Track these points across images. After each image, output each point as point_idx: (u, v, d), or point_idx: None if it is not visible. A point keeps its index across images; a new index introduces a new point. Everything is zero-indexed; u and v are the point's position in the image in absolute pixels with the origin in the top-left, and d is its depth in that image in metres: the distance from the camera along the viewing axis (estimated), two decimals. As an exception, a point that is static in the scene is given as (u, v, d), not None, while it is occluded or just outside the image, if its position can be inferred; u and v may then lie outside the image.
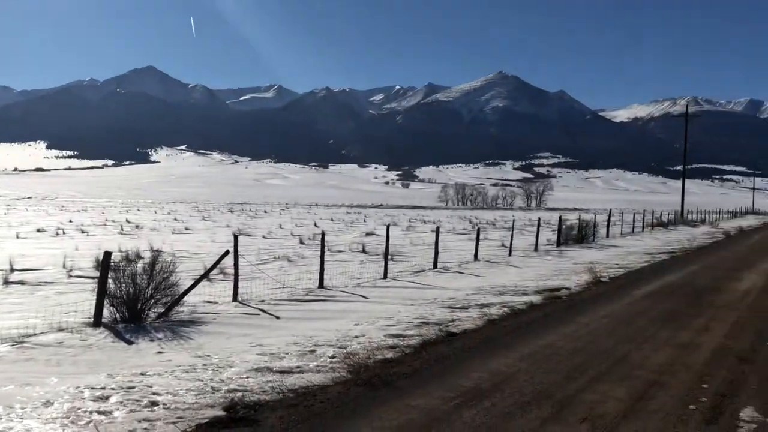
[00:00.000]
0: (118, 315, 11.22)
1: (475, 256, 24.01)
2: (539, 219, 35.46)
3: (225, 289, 14.67)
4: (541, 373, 8.44)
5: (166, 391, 7.40)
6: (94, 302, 11.12)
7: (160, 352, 9.31)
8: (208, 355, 9.10)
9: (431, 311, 12.71)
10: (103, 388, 7.41)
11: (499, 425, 6.52)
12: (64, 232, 38.62)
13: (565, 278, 18.33)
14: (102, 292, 11.01)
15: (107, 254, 11.32)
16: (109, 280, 11.18)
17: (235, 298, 13.82)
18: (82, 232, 39.54)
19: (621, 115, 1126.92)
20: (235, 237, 15.25)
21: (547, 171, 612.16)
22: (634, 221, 47.15)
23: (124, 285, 11.29)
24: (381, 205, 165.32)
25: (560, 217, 34.96)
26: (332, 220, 65.45)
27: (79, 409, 6.75)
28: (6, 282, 16.73)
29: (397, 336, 10.42)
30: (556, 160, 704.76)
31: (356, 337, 10.36)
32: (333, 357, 9.06)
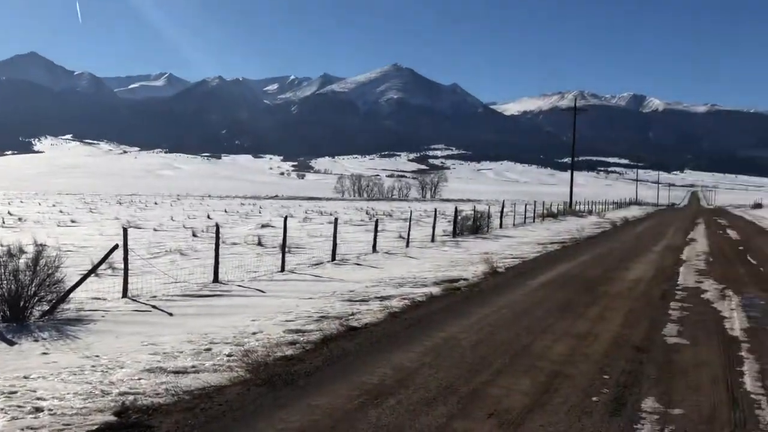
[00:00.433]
0: (-2, 314, 10.48)
1: (374, 247, 23.91)
2: (435, 210, 35.72)
3: (114, 285, 13.95)
4: (446, 367, 8.33)
5: (51, 396, 6.90)
6: (-31, 301, 10.34)
7: (44, 353, 8.71)
8: (97, 356, 8.58)
9: (331, 305, 12.47)
10: (-20, 395, 6.83)
11: (406, 424, 6.34)
12: (-64, 226, 36.27)
13: (462, 269, 18.43)
14: (-21, 290, 10.25)
15: (-17, 249, 10.55)
16: (-12, 277, 10.43)
17: (125, 294, 13.17)
18: (-43, 225, 37.25)
19: (511, 109, 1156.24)
20: (125, 230, 14.59)
21: (441, 163, 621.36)
22: (525, 212, 48.25)
23: (5, 282, 10.55)
24: (276, 196, 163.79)
25: (456, 209, 35.35)
26: (226, 211, 64.15)
27: (-50, 420, 6.17)
28: None
29: (297, 331, 10.13)
30: (449, 152, 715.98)
31: (254, 333, 10.00)
32: (230, 355, 8.68)
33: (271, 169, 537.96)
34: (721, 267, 20.05)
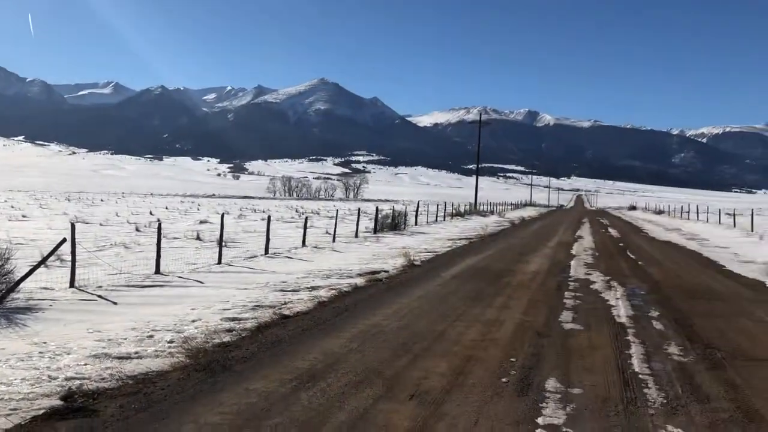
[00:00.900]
0: (-56, 304, 9.80)
1: (303, 242, 23.57)
2: (359, 209, 35.56)
3: (62, 276, 13.29)
4: (371, 351, 8.15)
5: (-1, 382, 6.41)
6: None
7: (-8, 341, 8.13)
8: (45, 342, 8.07)
9: (265, 295, 12.13)
10: (-75, 384, 6.30)
11: (335, 405, 6.14)
12: None
13: (383, 262, 18.30)
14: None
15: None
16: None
17: (72, 285, 12.53)
18: None
19: (424, 121, 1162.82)
20: (72, 224, 13.94)
21: (363, 167, 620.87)
22: (437, 211, 48.62)
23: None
24: (213, 195, 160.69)
25: (377, 208, 35.28)
26: (167, 208, 62.42)
27: None
28: None
29: (234, 319, 9.79)
30: (370, 158, 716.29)
31: (193, 321, 9.61)
32: (171, 342, 8.30)
33: (208, 170, 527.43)
34: (605, 261, 20.43)
